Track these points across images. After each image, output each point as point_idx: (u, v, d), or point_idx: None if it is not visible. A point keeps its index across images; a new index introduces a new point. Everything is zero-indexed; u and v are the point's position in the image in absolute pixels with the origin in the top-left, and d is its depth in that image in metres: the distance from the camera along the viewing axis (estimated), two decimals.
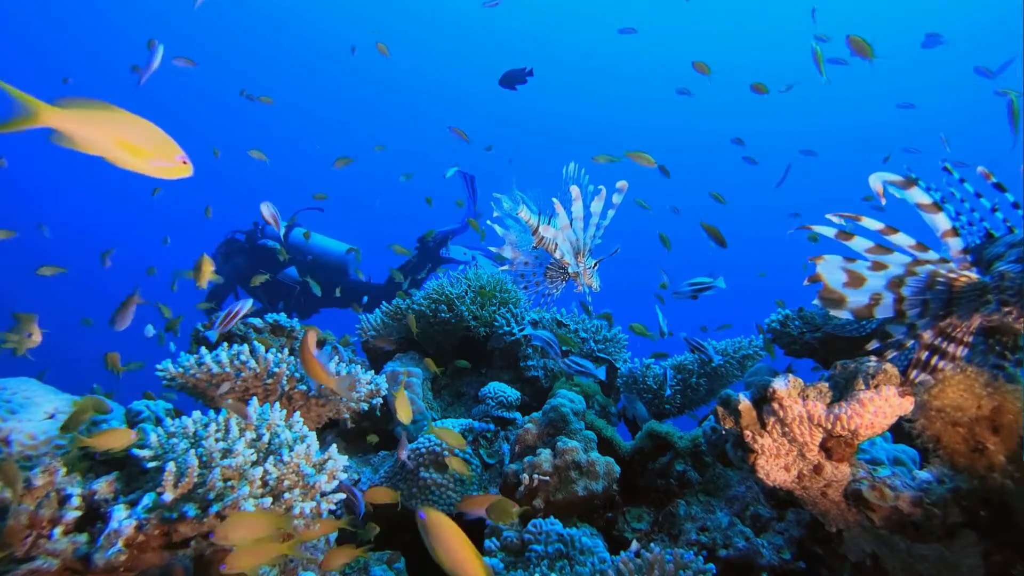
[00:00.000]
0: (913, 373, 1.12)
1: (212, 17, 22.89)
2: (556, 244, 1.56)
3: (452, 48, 25.46)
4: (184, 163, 0.85)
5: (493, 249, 1.65)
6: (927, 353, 1.10)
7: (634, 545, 1.43)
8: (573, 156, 1.68)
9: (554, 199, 1.46)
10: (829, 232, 1.00)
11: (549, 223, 1.53)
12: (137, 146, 0.81)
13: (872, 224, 0.96)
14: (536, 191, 1.56)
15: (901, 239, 0.98)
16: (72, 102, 0.77)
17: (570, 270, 1.60)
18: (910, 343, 1.12)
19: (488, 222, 1.62)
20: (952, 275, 1.00)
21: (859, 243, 1.00)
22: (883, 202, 0.98)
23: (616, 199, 1.56)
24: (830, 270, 1.05)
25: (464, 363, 2.80)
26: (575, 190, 1.48)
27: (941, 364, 1.09)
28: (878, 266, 1.02)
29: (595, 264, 1.62)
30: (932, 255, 0.99)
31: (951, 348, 1.09)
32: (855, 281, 1.05)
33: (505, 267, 1.69)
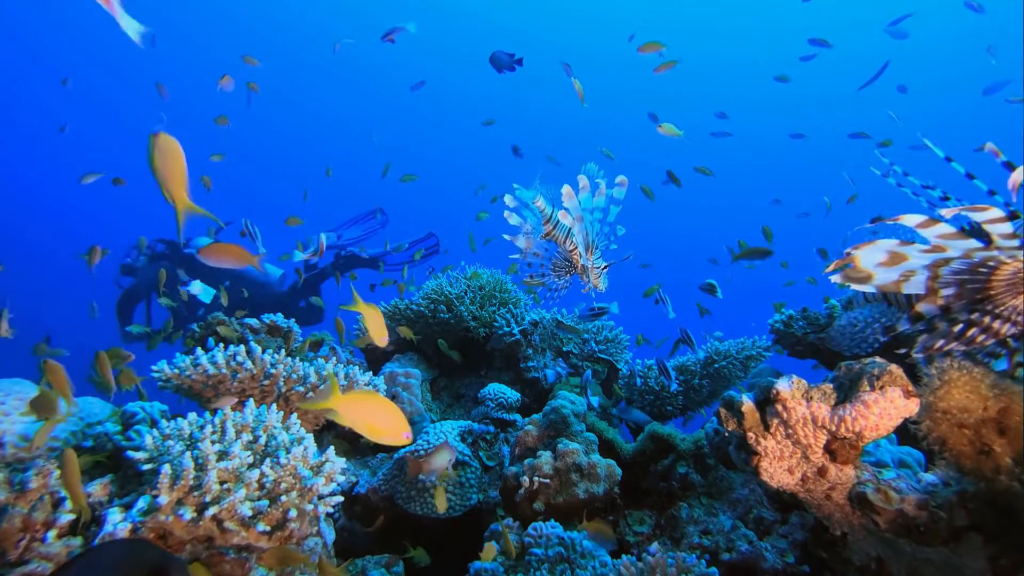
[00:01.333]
0: (952, 345, 1.10)
1: (207, 12, 22.92)
2: (566, 236, 1.57)
3: (448, 43, 25.46)
4: (406, 437, 1.13)
5: (507, 237, 1.66)
6: (976, 330, 1.08)
7: (654, 546, 1.42)
8: (571, 152, 1.69)
9: (567, 186, 1.46)
10: (914, 221, 0.96)
11: (560, 213, 1.54)
12: (379, 427, 1.12)
13: (994, 214, 0.93)
14: (546, 185, 1.57)
15: (1008, 227, 0.95)
16: (353, 395, 1.16)
17: (580, 261, 1.61)
18: (943, 325, 1.10)
19: (505, 213, 1.62)
20: (1009, 259, 0.98)
21: (938, 230, 0.97)
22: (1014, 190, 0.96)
23: (617, 193, 1.56)
24: (872, 253, 1.02)
25: (442, 343, 2.76)
26: (583, 179, 1.49)
27: (988, 341, 1.08)
28: (937, 249, 1.00)
29: (605, 267, 1.62)
30: (1015, 243, 0.97)
31: (996, 325, 1.07)
32: (894, 260, 1.02)
33: (516, 256, 1.69)
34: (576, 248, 1.58)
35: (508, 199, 1.58)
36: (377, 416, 1.12)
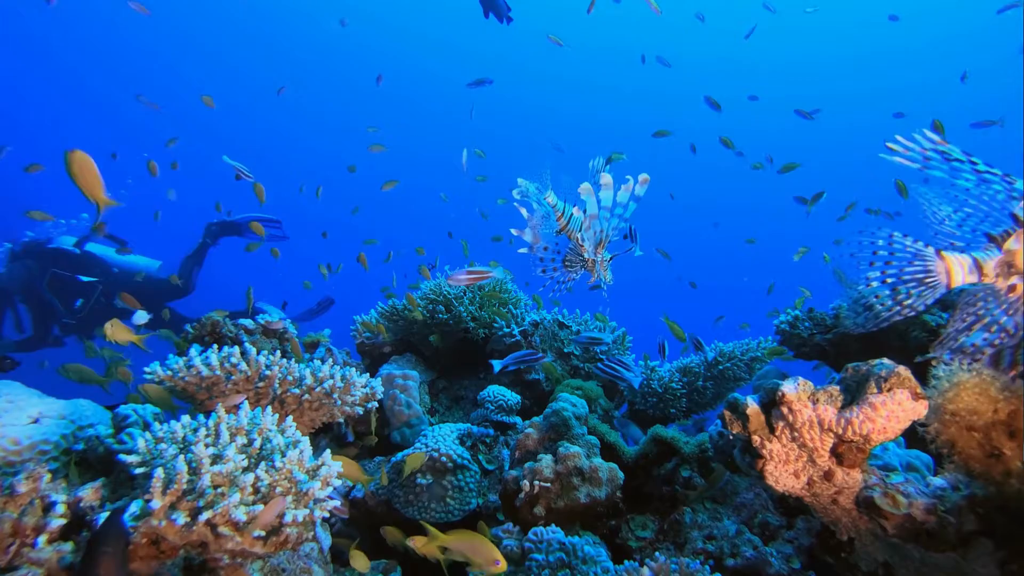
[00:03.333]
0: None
1: (207, 11, 22.92)
2: (579, 230, 1.55)
3: (448, 41, 25.46)
4: (496, 565, 1.34)
5: (514, 231, 1.64)
6: None
7: (662, 558, 1.40)
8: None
9: (586, 184, 1.44)
10: None
11: (574, 209, 1.53)
12: (479, 558, 1.35)
13: None
14: (564, 177, 1.56)
15: None
16: (459, 540, 1.38)
17: (586, 255, 1.59)
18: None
19: (515, 204, 1.60)
20: None
21: None
22: None
23: (639, 191, 1.54)
24: None
25: (434, 338, 2.73)
26: (606, 177, 1.47)
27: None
28: None
29: (610, 258, 1.61)
30: None
31: None
32: None
33: (523, 250, 1.67)
34: (584, 244, 1.57)
35: (517, 192, 1.56)
36: (477, 551, 1.36)
